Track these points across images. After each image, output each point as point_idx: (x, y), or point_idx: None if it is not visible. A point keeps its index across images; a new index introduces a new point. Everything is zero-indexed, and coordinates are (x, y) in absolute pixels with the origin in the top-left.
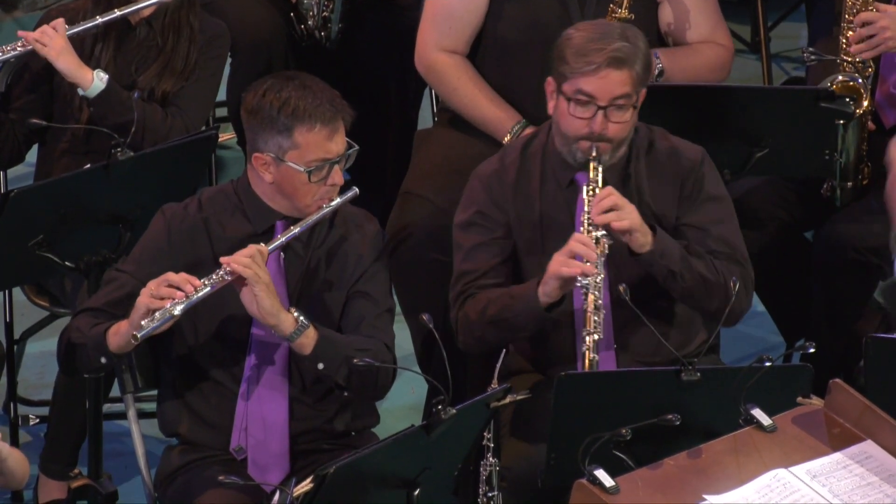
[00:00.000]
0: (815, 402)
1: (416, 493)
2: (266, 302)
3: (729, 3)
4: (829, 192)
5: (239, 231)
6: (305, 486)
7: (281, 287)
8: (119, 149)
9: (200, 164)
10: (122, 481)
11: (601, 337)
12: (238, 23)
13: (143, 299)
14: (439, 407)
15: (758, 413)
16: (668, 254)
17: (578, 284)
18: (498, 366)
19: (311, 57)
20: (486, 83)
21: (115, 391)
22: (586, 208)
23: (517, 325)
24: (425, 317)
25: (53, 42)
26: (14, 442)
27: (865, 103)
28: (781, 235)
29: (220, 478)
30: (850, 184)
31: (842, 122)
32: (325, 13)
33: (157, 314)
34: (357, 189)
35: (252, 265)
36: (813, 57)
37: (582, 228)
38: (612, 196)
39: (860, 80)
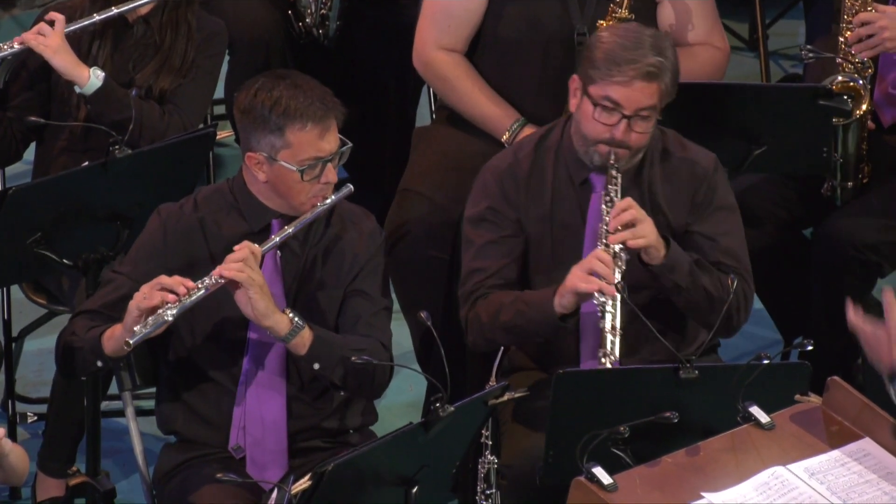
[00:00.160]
0: (814, 399)
1: (415, 490)
2: (260, 304)
3: (727, 0)
4: (830, 191)
5: (235, 230)
6: (303, 483)
7: (278, 286)
8: (117, 146)
9: (198, 162)
10: (120, 479)
11: (616, 358)
12: (236, 20)
13: (135, 303)
14: (438, 404)
15: (756, 411)
16: (678, 268)
17: (595, 301)
18: (496, 364)
19: (310, 54)
20: (484, 81)
21: (113, 389)
22: (606, 218)
23: (530, 331)
24: (423, 314)
25: (50, 40)
26: (12, 440)
27: (865, 104)
28: (780, 233)
29: (218, 475)
30: (850, 183)
31: (840, 120)
32: (323, 10)
33: (149, 319)
34: (352, 186)
35: (245, 268)
36: (811, 55)
37: (600, 243)
38: (632, 210)
39: (860, 81)
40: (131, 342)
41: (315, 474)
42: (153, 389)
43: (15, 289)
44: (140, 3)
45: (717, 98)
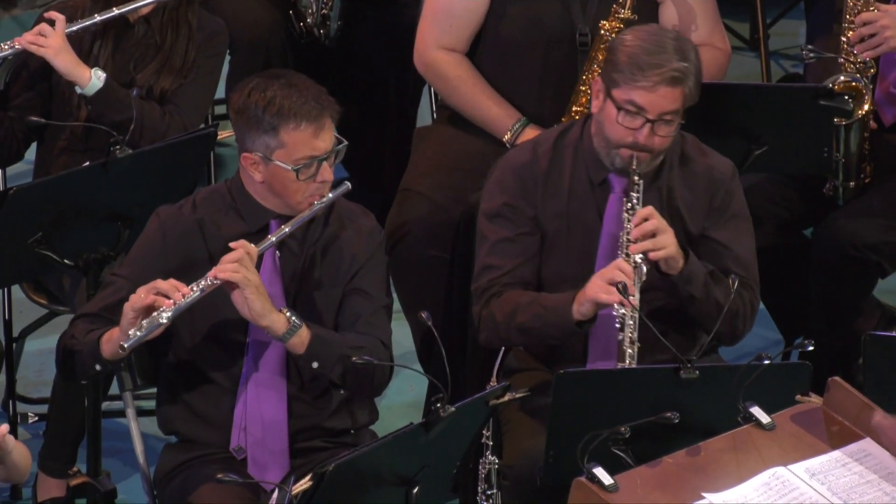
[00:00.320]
0: (814, 399)
1: (415, 490)
2: (257, 304)
3: (728, 0)
4: (832, 191)
5: (234, 230)
6: (304, 483)
7: (277, 285)
8: (118, 147)
9: (199, 162)
10: (121, 479)
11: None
12: (237, 20)
13: (130, 305)
14: (438, 405)
15: (756, 411)
16: (695, 280)
17: (615, 313)
18: (497, 364)
19: (310, 54)
20: (485, 81)
21: (114, 389)
22: (627, 226)
23: (546, 334)
24: (424, 315)
25: (51, 41)
26: None
27: (867, 104)
28: (780, 233)
29: (219, 476)
30: (852, 183)
31: (843, 120)
32: (324, 10)
33: (144, 323)
34: (349, 184)
35: (240, 269)
36: (812, 54)
37: (621, 252)
38: (654, 220)
39: (862, 81)
40: (126, 346)
41: (316, 474)
42: (154, 390)
43: (15, 289)
44: (141, 3)
45: (718, 98)
